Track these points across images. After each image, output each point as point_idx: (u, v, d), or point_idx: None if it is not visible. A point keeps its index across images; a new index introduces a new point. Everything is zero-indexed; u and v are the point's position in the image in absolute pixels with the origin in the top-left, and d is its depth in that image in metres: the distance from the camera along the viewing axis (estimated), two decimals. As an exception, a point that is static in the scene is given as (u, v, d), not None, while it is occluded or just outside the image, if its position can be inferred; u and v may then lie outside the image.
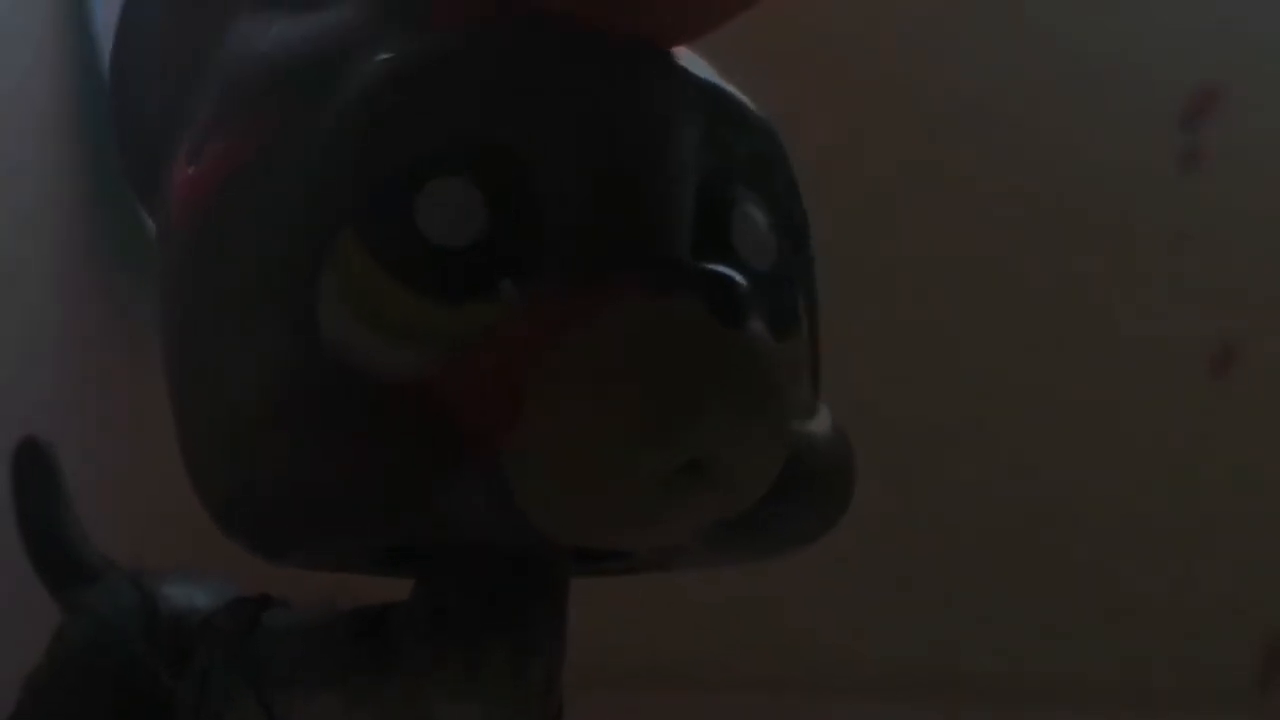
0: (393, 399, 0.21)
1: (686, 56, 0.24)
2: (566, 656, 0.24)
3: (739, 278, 0.21)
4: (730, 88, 0.24)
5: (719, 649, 0.72)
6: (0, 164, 0.47)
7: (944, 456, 0.73)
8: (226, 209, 0.22)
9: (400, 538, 0.22)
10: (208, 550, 0.24)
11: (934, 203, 0.74)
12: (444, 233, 0.21)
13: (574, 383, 0.21)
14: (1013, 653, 0.71)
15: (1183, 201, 0.74)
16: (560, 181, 0.22)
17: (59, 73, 0.51)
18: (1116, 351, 0.73)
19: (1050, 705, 0.68)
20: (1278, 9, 0.74)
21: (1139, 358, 0.73)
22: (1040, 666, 0.71)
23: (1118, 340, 0.73)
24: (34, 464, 0.30)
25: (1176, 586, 0.71)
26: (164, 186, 0.24)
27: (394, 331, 0.21)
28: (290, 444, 0.21)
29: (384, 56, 0.22)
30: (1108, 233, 0.74)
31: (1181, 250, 0.73)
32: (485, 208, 0.21)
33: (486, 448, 0.21)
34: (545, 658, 0.23)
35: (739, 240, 0.23)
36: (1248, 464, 0.71)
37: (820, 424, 0.24)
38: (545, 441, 0.20)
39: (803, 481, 0.23)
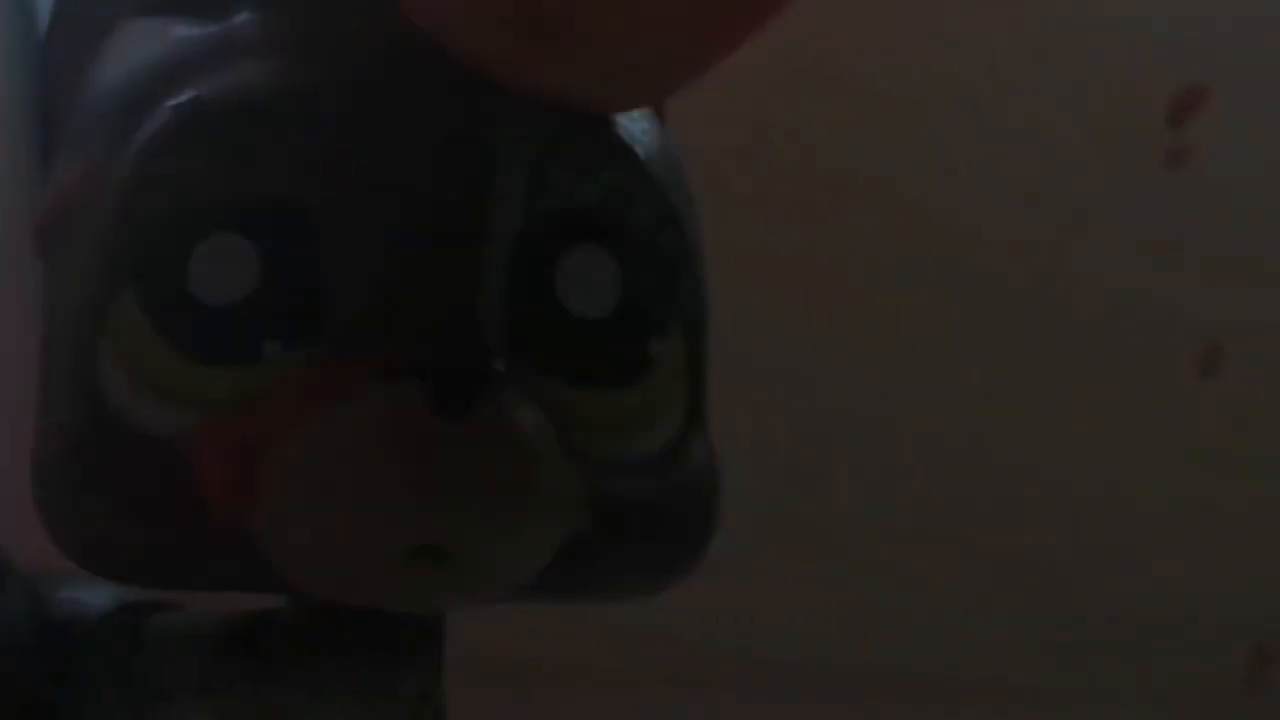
0: (155, 459, 0.21)
1: None
2: (444, 664, 0.24)
3: (471, 364, 0.21)
4: (586, 118, 0.23)
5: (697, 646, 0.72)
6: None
7: (923, 456, 0.72)
8: (51, 251, 0.23)
9: (188, 587, 0.23)
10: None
11: (916, 199, 0.74)
12: (213, 291, 0.21)
13: (305, 463, 0.20)
14: (997, 654, 0.71)
15: (1170, 200, 0.73)
16: (345, 244, 0.21)
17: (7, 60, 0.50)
18: (1103, 351, 0.73)
19: (1036, 707, 0.68)
20: (1265, 7, 0.74)
21: (1126, 357, 0.73)
22: (1024, 668, 0.71)
23: (1104, 340, 0.73)
24: None
25: (1163, 588, 0.71)
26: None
27: (155, 390, 0.21)
28: (71, 494, 0.22)
29: (174, 101, 0.21)
30: (1093, 231, 0.74)
31: (1168, 250, 0.73)
32: (260, 266, 0.21)
33: (230, 518, 0.21)
34: (420, 667, 0.23)
35: (564, 292, 0.22)
36: (1236, 464, 0.71)
37: (685, 462, 0.24)
38: (280, 518, 0.21)
39: (633, 533, 0.23)
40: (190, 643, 0.24)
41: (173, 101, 0.21)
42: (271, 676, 0.23)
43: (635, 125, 0.23)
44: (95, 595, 0.26)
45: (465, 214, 0.21)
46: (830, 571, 0.66)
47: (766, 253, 0.61)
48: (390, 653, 0.23)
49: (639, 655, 0.71)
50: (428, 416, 0.20)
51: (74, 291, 0.22)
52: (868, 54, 0.76)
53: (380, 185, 0.21)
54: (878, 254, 0.74)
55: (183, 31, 0.22)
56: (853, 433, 0.70)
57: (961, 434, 0.73)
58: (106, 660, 0.25)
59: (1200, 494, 0.71)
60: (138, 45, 0.23)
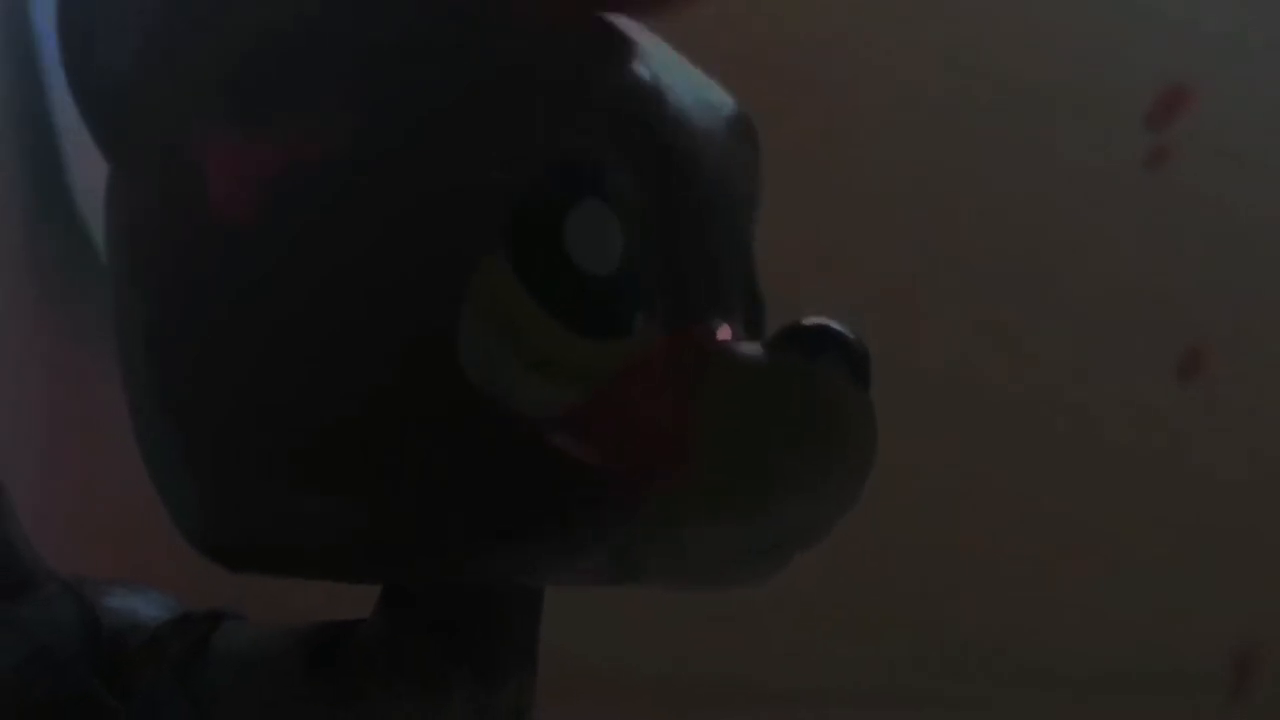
0: (532, 435, 0.19)
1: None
2: (536, 680, 0.22)
3: (858, 339, 0.21)
4: (732, 103, 0.23)
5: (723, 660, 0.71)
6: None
7: (904, 460, 0.72)
8: (320, 201, 0.20)
9: (480, 577, 0.21)
10: (147, 560, 0.23)
11: (895, 200, 0.74)
12: (591, 260, 0.20)
13: (735, 429, 0.20)
14: (977, 665, 0.71)
15: (1149, 202, 0.73)
16: (672, 218, 0.21)
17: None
18: (1082, 354, 0.73)
19: (1022, 712, 0.68)
20: (1245, 8, 0.74)
21: (1105, 361, 0.72)
22: (1003, 680, 0.71)
23: (1083, 343, 0.73)
24: None
25: (1146, 593, 0.71)
26: (176, 152, 0.21)
27: (538, 365, 0.20)
28: (411, 475, 0.20)
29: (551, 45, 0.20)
30: (1072, 233, 0.73)
31: (1148, 252, 0.73)
32: (621, 234, 0.20)
33: (632, 490, 0.20)
34: (511, 688, 0.22)
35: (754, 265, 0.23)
36: (1217, 469, 0.71)
37: None
38: (700, 487, 0.20)
39: None
40: (258, 657, 0.23)
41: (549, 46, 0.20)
42: (346, 695, 0.22)
43: None
44: (149, 604, 0.24)
45: (732, 179, 0.22)
46: (831, 595, 0.66)
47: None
48: (480, 669, 0.22)
49: (679, 675, 0.71)
50: (854, 390, 0.20)
51: (401, 258, 0.19)
52: (848, 55, 0.76)
53: (683, 153, 0.21)
54: (857, 254, 0.74)
55: None
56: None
57: (937, 437, 0.73)
58: (167, 673, 0.23)
59: (1181, 498, 0.71)
60: None
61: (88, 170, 0.47)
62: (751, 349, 0.21)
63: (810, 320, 0.21)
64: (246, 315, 0.20)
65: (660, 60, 0.22)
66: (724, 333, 0.21)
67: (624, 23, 0.22)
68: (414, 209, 0.20)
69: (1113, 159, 0.73)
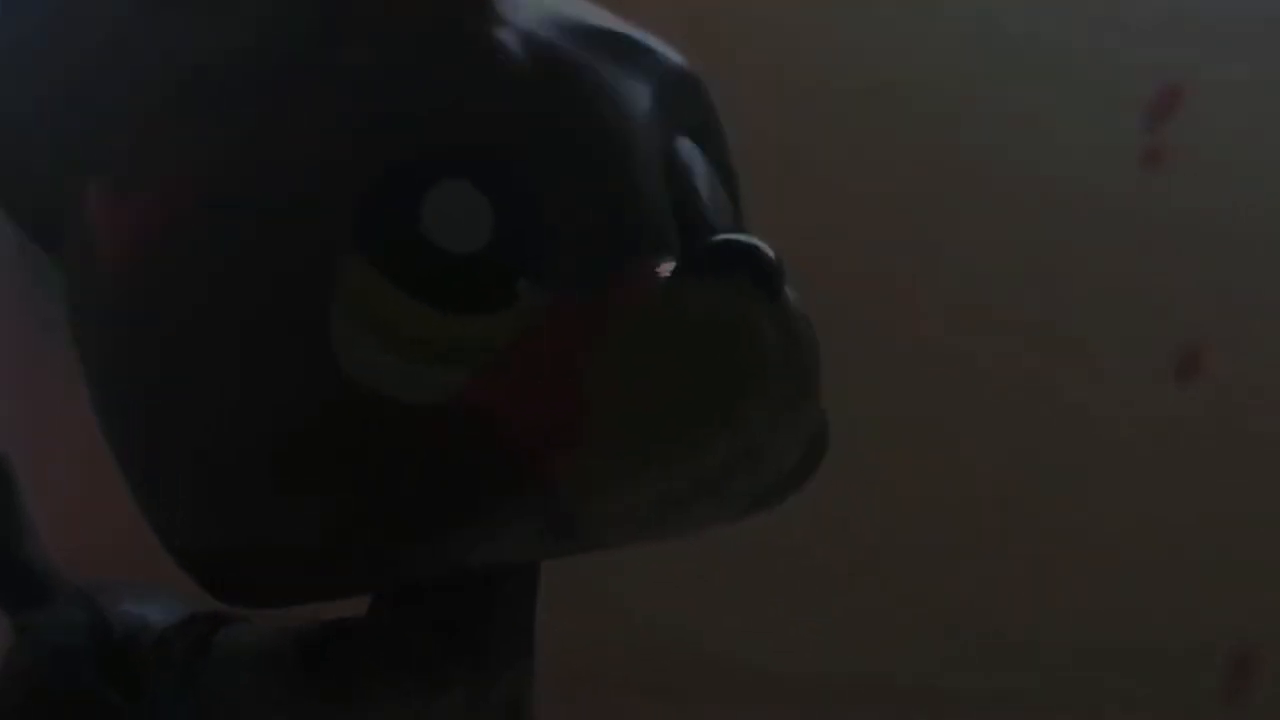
0: (432, 423, 0.20)
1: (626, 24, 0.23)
2: (534, 674, 0.23)
3: (769, 249, 0.20)
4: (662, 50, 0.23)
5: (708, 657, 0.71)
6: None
7: (898, 460, 0.72)
8: (189, 240, 0.20)
9: (424, 573, 0.21)
10: (151, 565, 0.23)
11: (893, 200, 0.74)
12: (453, 240, 0.20)
13: (636, 379, 0.19)
14: (974, 663, 0.71)
15: (1145, 202, 0.73)
16: (551, 177, 0.21)
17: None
18: (1078, 355, 0.73)
19: (1022, 711, 0.68)
20: (1241, 7, 0.74)
21: (1101, 362, 0.73)
22: (1003, 679, 0.71)
23: (1079, 344, 0.73)
24: None
25: (1142, 596, 0.71)
26: (72, 218, 0.22)
27: (418, 351, 0.20)
28: (321, 482, 0.20)
29: (363, 45, 0.20)
30: (1068, 233, 0.74)
31: (1144, 252, 0.73)
32: (492, 211, 0.20)
33: (544, 461, 0.19)
34: (508, 683, 0.22)
35: (704, 204, 0.22)
36: (1214, 470, 0.71)
37: None
38: (613, 445, 0.19)
39: None
40: (260, 657, 0.23)
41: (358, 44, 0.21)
42: (345, 690, 0.22)
43: None
44: (158, 607, 0.25)
45: (635, 132, 0.21)
46: (818, 580, 0.66)
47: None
48: (476, 662, 0.22)
49: (662, 664, 0.71)
50: (761, 301, 0.20)
51: (267, 274, 0.20)
52: (844, 54, 0.76)
53: (566, 117, 0.21)
54: (856, 254, 0.74)
55: None
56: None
57: (926, 437, 0.73)
58: (172, 675, 0.24)
59: (1180, 502, 0.71)
60: (202, 30, 0.21)
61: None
62: (653, 284, 0.20)
63: (715, 238, 0.21)
64: (150, 349, 0.21)
65: (548, 20, 0.22)
66: (634, 275, 0.20)
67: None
68: (269, 224, 0.20)
69: (1110, 158, 0.73)
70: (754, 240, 0.20)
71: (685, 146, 0.23)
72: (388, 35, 0.21)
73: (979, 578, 0.71)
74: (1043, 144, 0.73)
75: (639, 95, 0.22)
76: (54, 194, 0.22)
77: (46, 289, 0.50)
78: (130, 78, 0.21)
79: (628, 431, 0.19)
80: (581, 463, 0.19)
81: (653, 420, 0.19)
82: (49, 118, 0.22)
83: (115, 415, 0.21)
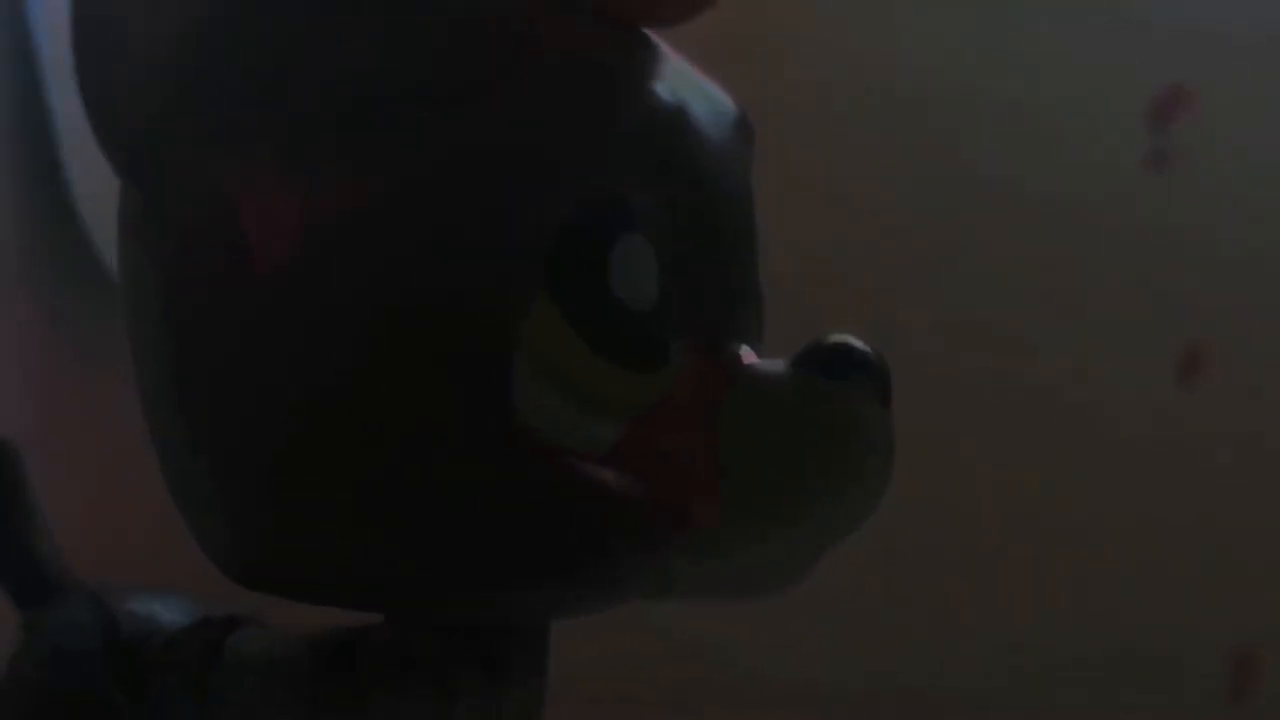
0: (576, 472, 0.20)
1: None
2: (547, 686, 0.23)
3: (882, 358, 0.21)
4: (730, 101, 0.23)
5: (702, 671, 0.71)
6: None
7: (898, 459, 0.72)
8: (358, 251, 0.20)
9: (529, 616, 0.22)
10: (163, 564, 0.23)
11: (896, 201, 0.74)
12: (633, 294, 0.20)
13: (765, 455, 0.20)
14: (979, 666, 0.71)
15: (1151, 203, 0.73)
16: (699, 243, 0.21)
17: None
18: (1082, 355, 0.73)
19: (1022, 710, 0.68)
20: (1246, 9, 0.74)
21: (1105, 362, 0.72)
22: (1009, 680, 0.71)
23: (1083, 343, 0.73)
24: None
25: (1143, 596, 0.71)
26: (205, 183, 0.20)
27: (589, 403, 0.20)
28: (461, 514, 0.20)
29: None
30: (1074, 234, 0.74)
31: (1149, 253, 0.73)
32: (656, 266, 0.20)
33: (668, 521, 0.20)
34: (521, 695, 0.22)
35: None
36: (1216, 469, 0.71)
37: None
38: (740, 512, 0.20)
39: None
40: (271, 662, 0.23)
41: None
42: (356, 699, 0.22)
43: None
44: (168, 609, 0.25)
45: (745, 202, 0.22)
46: (834, 593, 0.66)
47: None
48: (489, 674, 0.22)
49: (690, 677, 0.71)
50: (880, 410, 0.21)
51: (453, 304, 0.19)
52: (849, 58, 0.76)
53: (697, 182, 0.21)
54: (856, 254, 0.74)
55: None
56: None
57: (931, 441, 0.73)
58: (182, 677, 0.23)
59: (1183, 501, 0.71)
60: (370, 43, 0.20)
61: (87, 172, 0.47)
62: (773, 369, 0.21)
63: (833, 338, 0.21)
64: (287, 360, 0.20)
65: (675, 73, 0.22)
66: (747, 355, 0.21)
67: (641, 38, 0.22)
68: (451, 256, 0.20)
69: (1113, 159, 0.73)
70: (867, 348, 0.21)
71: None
72: (583, 68, 0.21)
73: (979, 579, 0.71)
74: (1046, 147, 0.73)
75: (735, 156, 0.22)
76: (210, 167, 0.21)
77: (63, 282, 0.50)
78: (314, 83, 0.20)
79: (755, 501, 0.20)
80: (706, 527, 0.20)
81: (774, 497, 0.20)
82: (214, 97, 0.21)
83: (208, 424, 0.21)
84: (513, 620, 0.22)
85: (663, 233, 0.20)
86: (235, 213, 0.20)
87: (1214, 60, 0.73)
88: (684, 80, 0.22)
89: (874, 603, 0.70)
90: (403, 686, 0.22)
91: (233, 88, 0.20)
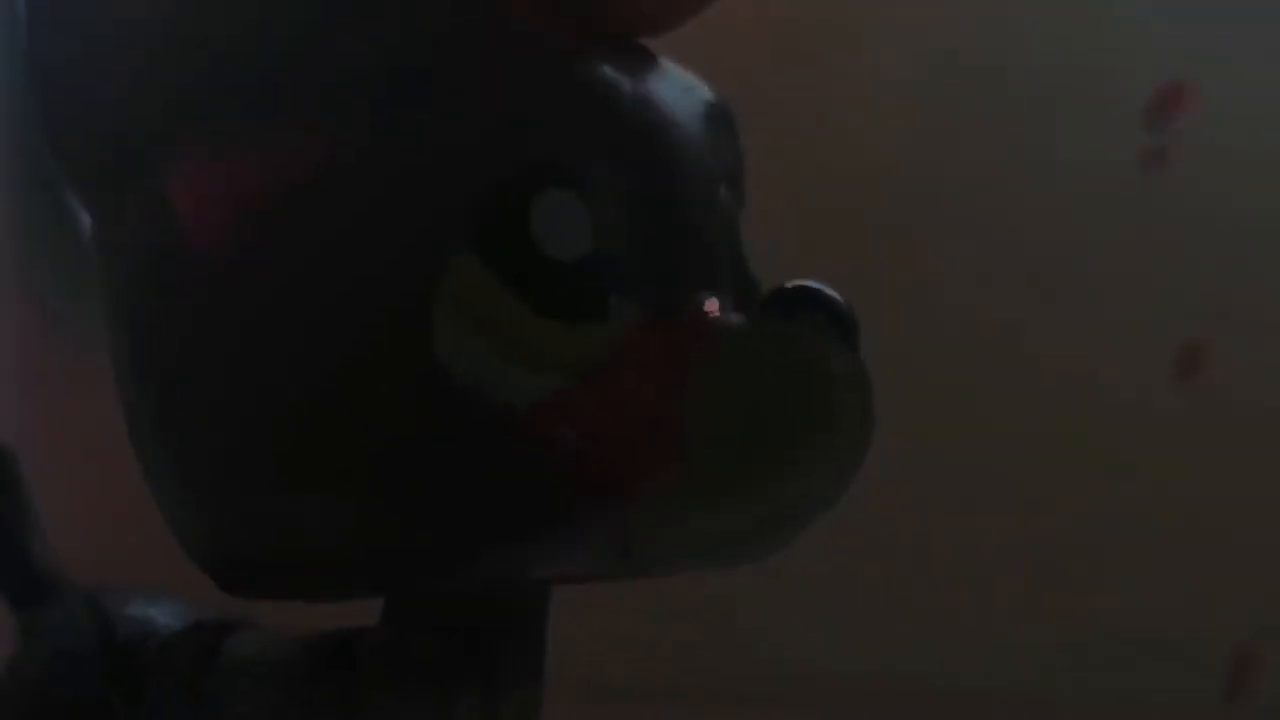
0: (521, 425, 0.20)
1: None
2: (544, 686, 0.23)
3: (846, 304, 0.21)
4: (707, 89, 0.23)
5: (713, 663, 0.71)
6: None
7: (897, 460, 0.72)
8: (289, 225, 0.20)
9: (475, 578, 0.21)
10: (159, 566, 0.23)
11: (892, 200, 0.74)
12: (558, 246, 0.20)
13: (729, 410, 0.20)
14: (975, 665, 0.71)
15: (1148, 201, 0.73)
16: (645, 203, 0.21)
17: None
18: (1079, 355, 0.73)
19: (1022, 710, 0.68)
20: (1245, 6, 0.74)
21: (1102, 361, 0.72)
22: (1003, 679, 0.71)
23: (1080, 343, 0.73)
24: None
25: (1143, 595, 0.71)
26: (149, 188, 0.21)
27: (515, 350, 0.20)
28: (400, 473, 0.20)
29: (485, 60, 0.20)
30: (1070, 232, 0.74)
31: (1146, 252, 0.73)
32: (591, 222, 0.20)
33: (632, 480, 0.20)
34: (520, 696, 0.22)
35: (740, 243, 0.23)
36: (1214, 469, 0.71)
37: None
38: (702, 474, 0.20)
39: None
40: (266, 665, 0.23)
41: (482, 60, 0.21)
42: (356, 701, 0.22)
43: None
44: (163, 612, 0.25)
45: (702, 161, 0.22)
46: (828, 583, 0.66)
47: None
48: (486, 677, 0.22)
49: (690, 672, 0.71)
50: (841, 354, 0.20)
51: (371, 265, 0.20)
52: (845, 53, 0.76)
53: (648, 144, 0.21)
54: (856, 253, 0.74)
55: None
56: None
57: (925, 440, 0.73)
58: (177, 681, 0.23)
59: (1180, 501, 0.71)
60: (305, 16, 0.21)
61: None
62: (735, 319, 0.21)
63: (791, 283, 0.21)
64: (227, 335, 0.20)
65: (639, 58, 0.22)
66: (711, 306, 0.21)
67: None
68: (380, 217, 0.20)
69: (1110, 157, 0.73)
70: (828, 290, 0.21)
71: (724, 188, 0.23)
72: (516, 55, 0.21)
73: (973, 578, 0.71)
74: (1043, 143, 0.73)
75: (701, 134, 0.22)
76: (132, 158, 0.21)
77: (60, 281, 0.50)
78: (247, 58, 0.21)
79: (718, 462, 0.20)
80: (667, 486, 0.20)
81: (741, 453, 0.20)
82: (147, 78, 0.21)
83: (164, 394, 0.21)
84: (468, 588, 0.21)
85: (604, 195, 0.20)
86: (169, 205, 0.21)
87: (1213, 58, 0.73)
88: (648, 66, 0.22)
89: (871, 596, 0.70)
90: (400, 688, 0.22)
91: (153, 71, 0.21)
